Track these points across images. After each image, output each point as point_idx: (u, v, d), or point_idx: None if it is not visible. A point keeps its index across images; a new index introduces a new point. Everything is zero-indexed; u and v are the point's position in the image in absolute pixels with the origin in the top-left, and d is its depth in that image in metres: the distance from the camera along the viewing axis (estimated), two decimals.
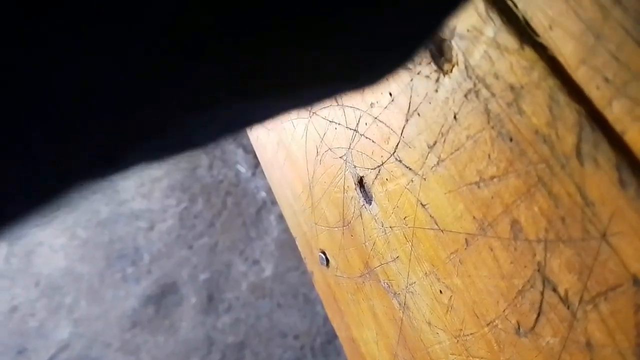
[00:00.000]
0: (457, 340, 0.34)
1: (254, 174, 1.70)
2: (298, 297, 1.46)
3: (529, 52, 0.23)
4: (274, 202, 1.64)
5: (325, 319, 1.42)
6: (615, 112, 0.20)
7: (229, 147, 1.74)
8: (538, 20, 0.23)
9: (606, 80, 0.20)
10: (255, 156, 1.73)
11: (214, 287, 1.44)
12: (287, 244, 1.56)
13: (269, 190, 1.66)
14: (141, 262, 1.44)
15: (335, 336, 1.42)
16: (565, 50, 0.22)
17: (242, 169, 1.71)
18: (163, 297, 1.40)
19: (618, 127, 0.20)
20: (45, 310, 1.33)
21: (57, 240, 1.43)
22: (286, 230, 1.58)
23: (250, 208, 1.61)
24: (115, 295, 1.38)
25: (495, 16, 0.25)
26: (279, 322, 1.41)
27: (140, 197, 1.54)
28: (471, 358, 0.33)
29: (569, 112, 0.22)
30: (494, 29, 0.25)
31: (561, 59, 0.22)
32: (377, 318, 0.43)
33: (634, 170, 0.20)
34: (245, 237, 1.55)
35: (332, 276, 0.50)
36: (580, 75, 0.21)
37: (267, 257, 1.51)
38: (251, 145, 1.83)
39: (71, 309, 1.34)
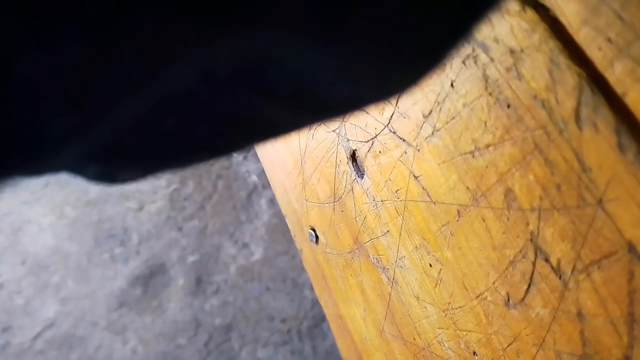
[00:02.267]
0: (445, 314, 0.33)
1: (245, 158, 1.69)
2: (287, 281, 1.46)
3: (530, 13, 0.23)
4: (264, 186, 1.63)
5: (313, 303, 1.42)
6: (616, 74, 0.20)
7: None
8: None
9: (609, 40, 0.20)
10: None
11: (202, 269, 1.43)
12: (277, 228, 1.55)
13: (260, 174, 1.65)
14: (130, 242, 1.43)
15: (322, 320, 1.42)
16: (568, 10, 0.21)
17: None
18: (151, 277, 1.40)
19: (619, 89, 0.20)
20: (31, 288, 1.32)
21: (45, 218, 1.42)
22: (276, 214, 1.58)
23: (241, 192, 1.60)
24: (103, 275, 1.37)
25: None
26: (267, 306, 1.41)
27: None
28: (459, 331, 0.32)
29: (569, 75, 0.22)
30: None
31: (563, 20, 0.22)
32: (365, 294, 0.43)
33: (633, 133, 0.20)
34: (235, 220, 1.54)
35: (322, 253, 0.49)
36: (582, 36, 0.21)
37: (257, 241, 1.51)
38: None
39: (58, 287, 1.32)
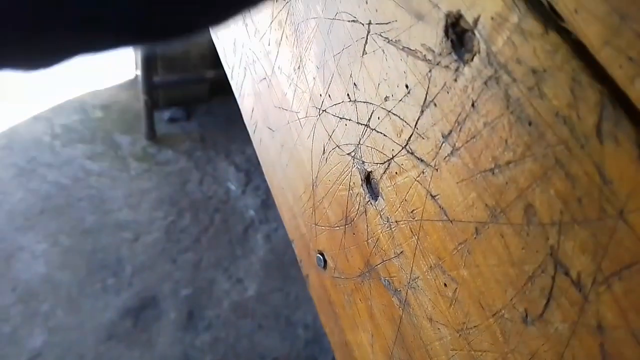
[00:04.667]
0: (460, 335, 0.34)
1: (243, 192, 1.69)
2: (280, 319, 1.44)
3: (553, 36, 0.24)
4: (262, 222, 1.63)
5: (306, 342, 1.39)
6: (637, 89, 0.21)
7: (220, 164, 1.74)
8: (563, 5, 0.24)
9: (630, 59, 0.21)
10: (246, 174, 1.74)
11: (195, 303, 1.41)
12: (273, 264, 1.54)
13: (258, 209, 1.65)
14: (123, 273, 1.42)
15: None
16: (590, 32, 0.23)
17: (233, 186, 1.71)
18: (142, 310, 1.37)
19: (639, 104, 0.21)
20: (20, 316, 1.29)
21: (38, 245, 1.40)
22: (272, 250, 1.57)
23: (237, 226, 1.60)
24: (94, 306, 1.35)
25: (520, 2, 0.26)
26: (259, 344, 1.38)
27: (128, 208, 1.52)
28: (473, 352, 0.33)
29: (591, 93, 0.23)
30: (518, 15, 0.26)
31: (585, 41, 0.23)
32: (374, 318, 0.43)
33: None
34: (231, 255, 1.53)
35: (329, 278, 0.49)
36: (604, 55, 0.22)
37: (252, 277, 1.49)
38: (243, 163, 1.84)
39: (47, 317, 1.30)
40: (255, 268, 1.52)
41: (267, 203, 1.66)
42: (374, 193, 0.40)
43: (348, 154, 0.42)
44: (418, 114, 0.34)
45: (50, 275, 1.38)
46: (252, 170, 1.75)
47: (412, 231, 0.36)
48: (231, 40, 0.64)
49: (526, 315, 0.28)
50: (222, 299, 1.46)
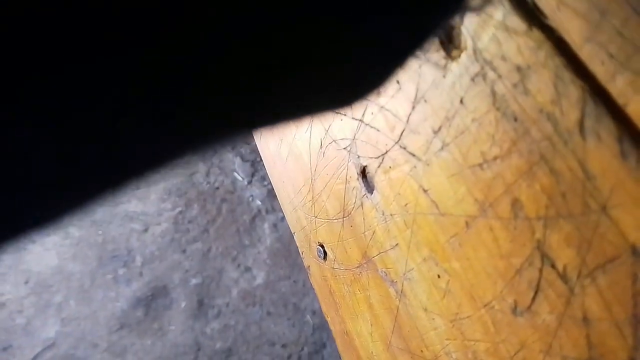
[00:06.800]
0: (453, 325, 0.34)
1: (250, 183, 1.70)
2: (288, 306, 1.46)
3: (536, 33, 0.24)
4: (268, 211, 1.64)
5: (314, 329, 1.41)
6: (618, 86, 0.21)
7: (226, 155, 1.75)
8: (546, 1, 0.24)
9: (610, 55, 0.21)
10: (252, 165, 1.74)
11: (204, 292, 1.43)
12: (280, 252, 1.56)
13: (264, 199, 1.66)
14: (133, 263, 1.44)
15: (322, 346, 1.41)
16: (572, 29, 0.23)
17: (239, 177, 1.72)
18: (153, 300, 1.39)
19: (620, 100, 0.21)
20: (33, 307, 1.32)
21: (49, 238, 1.43)
22: (279, 239, 1.58)
23: (244, 216, 1.61)
24: (105, 296, 1.37)
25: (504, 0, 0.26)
26: (268, 330, 1.40)
27: (136, 200, 1.53)
28: (466, 341, 0.33)
29: (574, 89, 0.23)
30: (503, 12, 0.26)
31: (567, 38, 0.23)
32: (372, 308, 0.44)
33: (635, 141, 0.21)
34: (239, 244, 1.54)
35: (329, 269, 0.50)
36: (586, 52, 0.23)
37: (259, 265, 1.51)
38: (249, 154, 1.84)
39: (60, 307, 1.32)
40: (262, 257, 1.53)
41: (273, 193, 1.67)
42: (369, 187, 0.41)
43: (344, 148, 0.43)
44: (409, 109, 0.34)
45: (61, 267, 1.40)
46: (257, 161, 1.76)
47: (406, 224, 0.37)
48: None
49: (515, 307, 0.29)
50: (231, 287, 1.47)
